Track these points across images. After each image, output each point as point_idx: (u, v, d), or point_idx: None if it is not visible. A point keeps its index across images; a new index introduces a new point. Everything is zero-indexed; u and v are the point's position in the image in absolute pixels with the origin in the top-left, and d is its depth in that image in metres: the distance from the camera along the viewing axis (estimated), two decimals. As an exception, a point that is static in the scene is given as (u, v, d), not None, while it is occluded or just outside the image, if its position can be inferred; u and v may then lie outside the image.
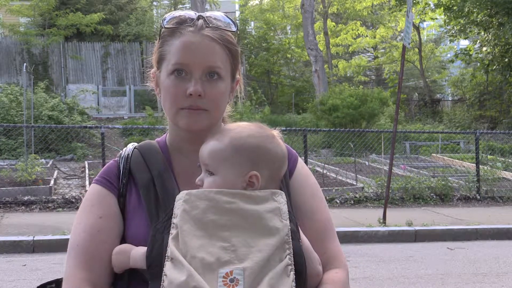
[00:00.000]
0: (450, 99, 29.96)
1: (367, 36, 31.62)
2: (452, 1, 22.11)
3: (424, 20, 27.66)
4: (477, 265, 6.40)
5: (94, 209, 1.38)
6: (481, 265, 6.42)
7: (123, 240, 1.37)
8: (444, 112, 25.23)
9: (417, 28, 26.27)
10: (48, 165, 12.26)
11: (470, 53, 23.43)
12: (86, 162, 12.97)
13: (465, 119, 22.64)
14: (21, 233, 7.21)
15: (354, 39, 30.94)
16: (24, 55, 23.08)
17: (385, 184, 9.09)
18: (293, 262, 1.20)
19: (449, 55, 30.18)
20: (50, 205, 9.16)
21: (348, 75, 32.29)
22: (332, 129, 14.29)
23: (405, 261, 6.60)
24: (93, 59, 23.99)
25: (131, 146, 1.48)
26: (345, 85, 21.93)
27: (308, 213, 1.43)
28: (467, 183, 11.13)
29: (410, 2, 8.22)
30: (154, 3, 30.38)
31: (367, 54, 35.34)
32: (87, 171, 11.75)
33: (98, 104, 21.21)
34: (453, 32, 23.26)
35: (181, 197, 1.26)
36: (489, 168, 12.03)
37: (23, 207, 9.08)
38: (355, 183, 11.23)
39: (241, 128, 1.33)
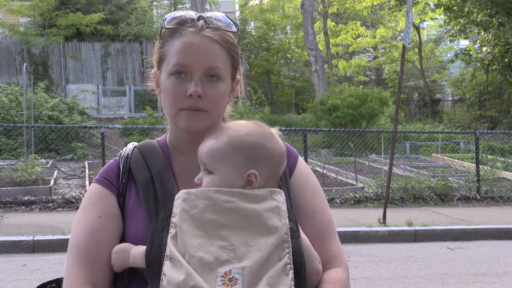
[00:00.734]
0: (450, 99, 29.96)
1: (367, 36, 31.63)
2: (452, 1, 22.11)
3: (424, 20, 27.65)
4: (477, 265, 6.40)
5: (94, 209, 1.39)
6: (481, 265, 6.42)
7: (123, 239, 1.38)
8: (444, 112, 25.23)
9: (417, 28, 26.27)
10: (48, 165, 12.26)
11: (470, 53, 23.43)
12: (86, 162, 12.97)
13: (465, 119, 22.64)
14: (21, 233, 7.21)
15: (354, 39, 30.94)
16: (24, 55, 23.08)
17: (385, 184, 9.10)
18: (292, 261, 1.20)
19: (449, 55, 30.18)
20: (50, 205, 9.16)
21: (348, 75, 32.29)
22: (332, 129, 14.29)
23: (405, 261, 6.60)
24: (93, 59, 23.99)
25: (131, 145, 1.48)
26: (345, 85, 21.93)
27: (308, 212, 1.43)
28: (467, 183, 11.13)
29: (410, 2, 8.22)
30: (154, 3, 30.37)
31: (367, 54, 35.34)
32: (87, 171, 11.75)
33: (98, 104, 21.21)
34: (453, 32, 23.25)
35: (180, 196, 1.26)
36: (489, 168, 12.03)
37: (23, 207, 9.08)
38: (355, 183, 11.23)
39: (239, 127, 1.33)
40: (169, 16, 1.40)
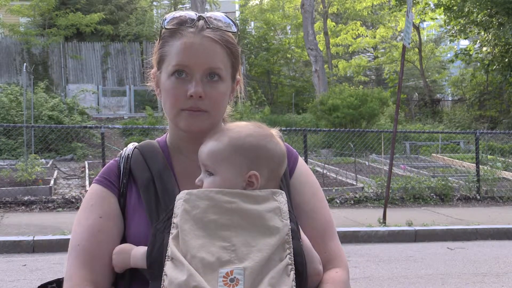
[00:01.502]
0: (450, 99, 29.95)
1: (367, 36, 31.62)
2: (452, 1, 22.11)
3: (424, 20, 27.64)
4: (477, 265, 6.40)
5: (94, 209, 1.39)
6: (481, 265, 6.42)
7: (123, 240, 1.37)
8: (444, 112, 25.23)
9: (417, 28, 26.26)
10: (48, 165, 12.26)
11: (470, 53, 23.42)
12: (86, 162, 12.97)
13: (465, 119, 22.64)
14: (21, 233, 7.21)
15: (354, 39, 30.93)
16: (24, 55, 23.08)
17: (385, 184, 9.10)
18: (293, 262, 1.20)
19: (449, 55, 30.17)
20: (50, 205, 9.16)
21: (348, 75, 32.29)
22: (332, 129, 14.29)
23: (405, 261, 6.60)
24: (93, 59, 23.99)
25: (131, 146, 1.48)
26: (345, 85, 21.93)
27: (308, 212, 1.43)
28: (467, 183, 11.13)
29: (410, 2, 8.22)
30: (154, 3, 30.37)
31: (367, 54, 35.34)
32: (87, 171, 11.75)
33: (98, 104, 21.21)
34: (453, 32, 23.25)
35: (182, 196, 1.26)
36: (489, 168, 12.03)
37: (23, 207, 9.08)
38: (355, 183, 11.23)
39: (240, 128, 1.33)
40: (169, 16, 1.40)
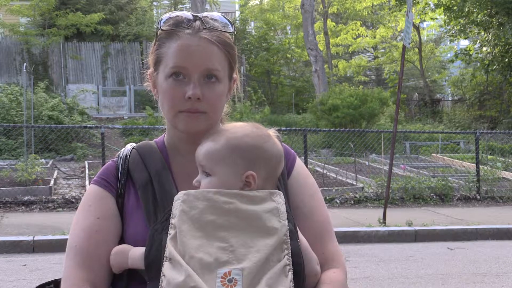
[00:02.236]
0: (450, 99, 29.95)
1: (367, 36, 31.62)
2: (452, 1, 22.10)
3: (424, 20, 27.64)
4: (477, 265, 6.40)
5: (92, 210, 1.39)
6: (481, 265, 6.41)
7: (121, 241, 1.37)
8: (444, 112, 25.23)
9: (417, 28, 26.27)
10: (48, 165, 12.26)
11: (470, 53, 23.42)
12: (86, 162, 12.98)
13: (465, 119, 22.65)
14: (21, 233, 7.21)
15: (354, 39, 30.94)
16: (24, 55, 23.08)
17: (385, 184, 9.09)
18: (291, 262, 1.20)
19: (449, 55, 30.16)
20: (50, 205, 9.16)
21: (348, 75, 32.29)
22: (332, 129, 14.29)
23: (405, 261, 6.60)
24: (93, 59, 24.00)
25: (129, 146, 1.48)
26: (345, 85, 21.92)
27: (306, 213, 1.43)
28: (467, 183, 11.13)
29: (410, 2, 8.21)
30: (154, 3, 30.37)
31: (367, 54, 35.33)
32: (87, 171, 11.75)
33: (98, 104, 21.22)
34: (453, 32, 23.24)
35: (180, 197, 1.26)
36: (489, 168, 12.03)
37: (23, 207, 9.08)
38: (355, 183, 11.22)
39: (237, 128, 1.33)
40: (165, 16, 1.40)
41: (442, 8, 22.58)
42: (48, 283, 1.44)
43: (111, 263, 1.33)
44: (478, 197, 10.83)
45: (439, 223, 8.37)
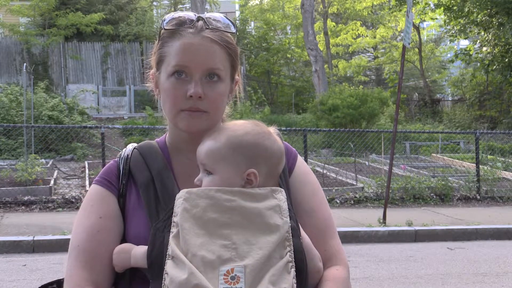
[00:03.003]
0: (450, 99, 29.94)
1: (367, 36, 31.62)
2: (452, 1, 22.10)
3: (424, 20, 27.64)
4: (477, 265, 6.40)
5: (94, 210, 1.39)
6: (481, 265, 6.42)
7: (123, 240, 1.38)
8: (444, 112, 25.22)
9: (417, 28, 26.26)
10: (48, 165, 12.26)
11: (470, 53, 23.42)
12: (86, 162, 12.98)
13: (465, 119, 22.64)
14: (21, 233, 7.22)
15: (354, 39, 30.93)
16: (24, 55, 23.08)
17: (385, 184, 9.10)
18: (293, 259, 1.20)
19: (449, 55, 30.16)
20: (50, 205, 9.16)
21: (348, 75, 32.28)
22: (332, 129, 14.29)
23: (405, 261, 6.60)
24: (93, 59, 24.00)
25: (131, 146, 1.49)
26: (345, 85, 21.93)
27: (308, 210, 1.43)
28: (467, 183, 11.13)
29: (410, 2, 8.22)
30: (154, 3, 30.37)
31: (367, 54, 35.33)
32: (87, 171, 11.75)
33: (98, 104, 21.21)
34: (453, 32, 23.24)
35: (182, 195, 1.26)
36: (489, 168, 12.03)
37: (23, 207, 9.09)
38: (355, 183, 11.23)
39: (237, 126, 1.34)
40: (168, 17, 1.40)
41: (442, 8, 22.58)
42: (51, 283, 1.44)
43: (114, 262, 1.33)
44: (478, 197, 10.83)
45: (439, 223, 8.38)
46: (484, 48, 23.25)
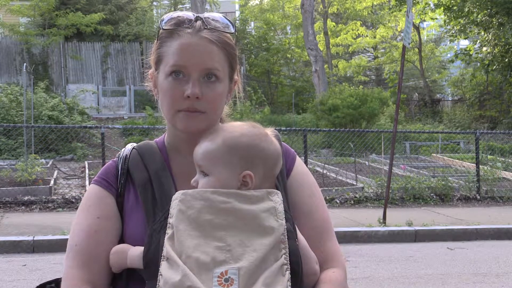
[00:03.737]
0: (450, 99, 29.94)
1: (367, 36, 31.61)
2: (452, 1, 22.10)
3: (424, 20, 27.63)
4: (477, 265, 6.40)
5: (92, 210, 1.39)
6: (481, 265, 6.42)
7: (121, 240, 1.38)
8: (444, 112, 25.22)
9: (417, 28, 26.26)
10: (48, 165, 12.26)
11: (470, 53, 23.41)
12: (86, 162, 12.98)
13: (465, 119, 22.64)
14: (21, 233, 7.22)
15: (354, 39, 30.92)
16: (24, 55, 23.09)
17: (385, 184, 9.10)
18: (288, 262, 1.20)
19: (449, 55, 30.16)
20: (50, 205, 9.16)
21: (348, 75, 32.27)
22: (332, 129, 14.29)
23: (405, 261, 6.60)
24: (93, 59, 24.00)
25: (130, 146, 1.49)
26: (345, 85, 21.91)
27: (306, 212, 1.43)
28: (467, 183, 11.13)
29: (410, 2, 8.21)
30: (154, 3, 30.38)
31: (367, 54, 35.32)
32: (87, 171, 11.75)
33: (98, 104, 21.23)
34: (453, 32, 23.24)
35: (177, 197, 1.26)
36: (489, 168, 12.02)
37: (23, 207, 9.09)
38: (355, 183, 11.23)
39: (234, 128, 1.33)
40: (166, 16, 1.40)
41: (442, 8, 22.58)
42: (49, 282, 1.44)
43: (110, 262, 1.33)
44: (478, 197, 10.83)
45: (439, 223, 8.37)
46: (484, 48, 23.24)
